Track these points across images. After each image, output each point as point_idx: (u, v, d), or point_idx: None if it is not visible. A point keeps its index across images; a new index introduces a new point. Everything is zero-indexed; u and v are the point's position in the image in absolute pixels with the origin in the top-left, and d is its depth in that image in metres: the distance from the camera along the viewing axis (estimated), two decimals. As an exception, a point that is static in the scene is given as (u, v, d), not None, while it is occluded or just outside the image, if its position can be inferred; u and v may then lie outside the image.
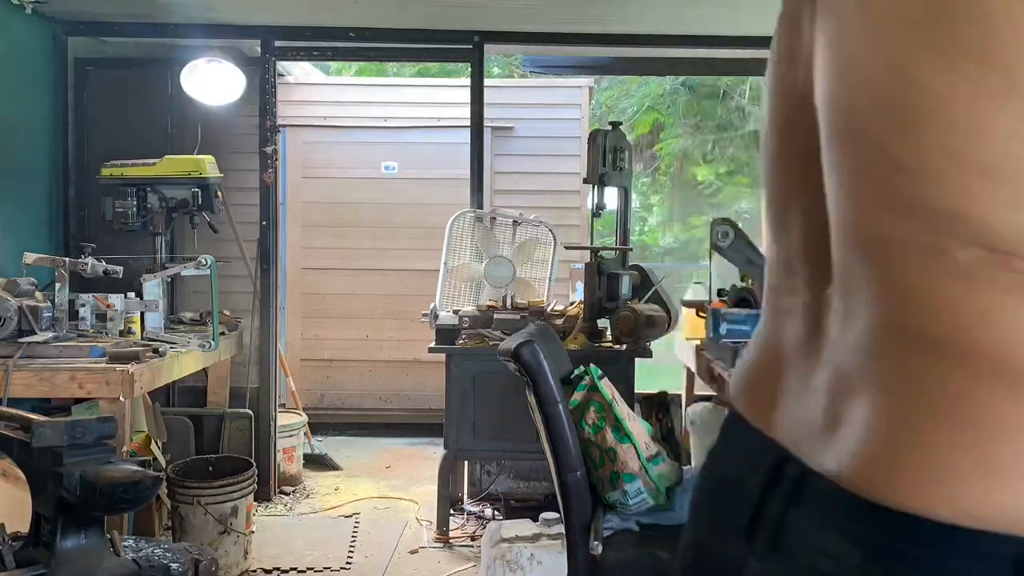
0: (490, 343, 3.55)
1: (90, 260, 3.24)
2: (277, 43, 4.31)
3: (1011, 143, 0.52)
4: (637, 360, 3.54)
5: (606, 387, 2.33)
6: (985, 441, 0.54)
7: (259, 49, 4.31)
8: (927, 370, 0.57)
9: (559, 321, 3.67)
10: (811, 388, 0.68)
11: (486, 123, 4.40)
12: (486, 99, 4.34)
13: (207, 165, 3.82)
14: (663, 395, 4.32)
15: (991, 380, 0.54)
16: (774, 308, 0.78)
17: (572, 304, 3.97)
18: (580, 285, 4.04)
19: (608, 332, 3.64)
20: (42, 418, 1.31)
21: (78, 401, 3.17)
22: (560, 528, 2.37)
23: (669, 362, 4.47)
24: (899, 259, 0.58)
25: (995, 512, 0.54)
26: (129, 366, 2.81)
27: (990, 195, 0.53)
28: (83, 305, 3.24)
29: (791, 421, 0.70)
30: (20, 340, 2.90)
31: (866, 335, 0.62)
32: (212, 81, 4.09)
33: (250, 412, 4.15)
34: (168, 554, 1.36)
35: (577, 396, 2.33)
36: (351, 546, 3.67)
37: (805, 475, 0.65)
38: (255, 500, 3.61)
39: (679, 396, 4.31)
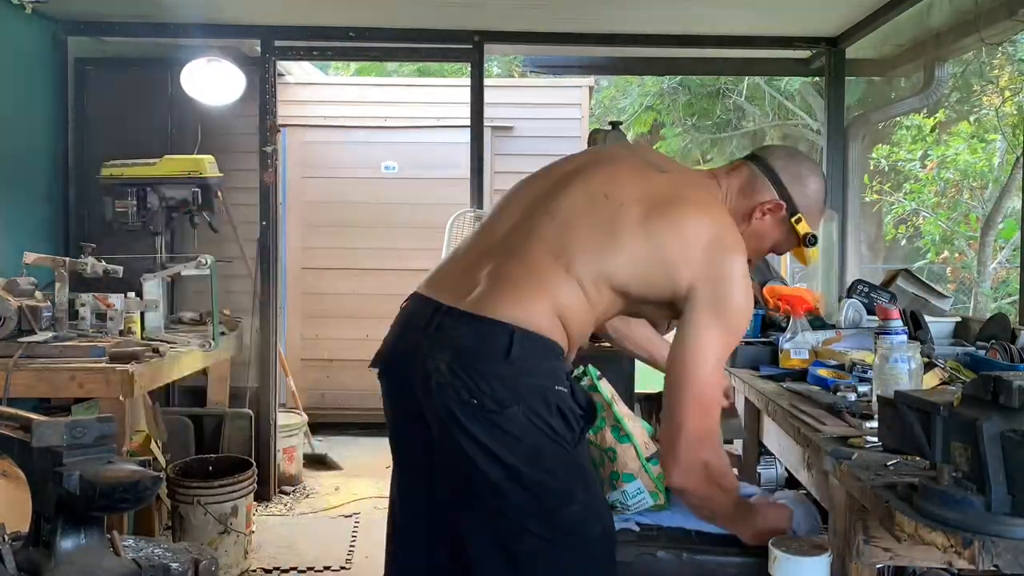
0: (490, 343, 3.54)
1: (90, 260, 3.23)
2: (277, 43, 4.31)
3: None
4: (637, 360, 3.52)
5: (606, 387, 2.33)
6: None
7: (259, 49, 4.32)
8: None
9: (559, 321, 3.65)
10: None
11: (486, 123, 4.39)
12: (486, 99, 4.34)
13: (207, 165, 3.82)
14: (663, 395, 4.33)
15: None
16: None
17: (572, 304, 3.96)
18: (580, 285, 4.02)
19: (608, 332, 3.62)
20: (42, 418, 1.31)
21: (78, 401, 3.17)
22: (560, 528, 2.36)
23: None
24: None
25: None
26: (129, 366, 2.81)
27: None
28: (83, 305, 3.23)
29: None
30: (20, 340, 2.89)
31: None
32: (212, 81, 4.09)
33: (250, 412, 4.15)
34: (168, 554, 1.36)
35: (577, 396, 2.32)
36: (351, 546, 3.67)
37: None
38: (255, 500, 3.62)
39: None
